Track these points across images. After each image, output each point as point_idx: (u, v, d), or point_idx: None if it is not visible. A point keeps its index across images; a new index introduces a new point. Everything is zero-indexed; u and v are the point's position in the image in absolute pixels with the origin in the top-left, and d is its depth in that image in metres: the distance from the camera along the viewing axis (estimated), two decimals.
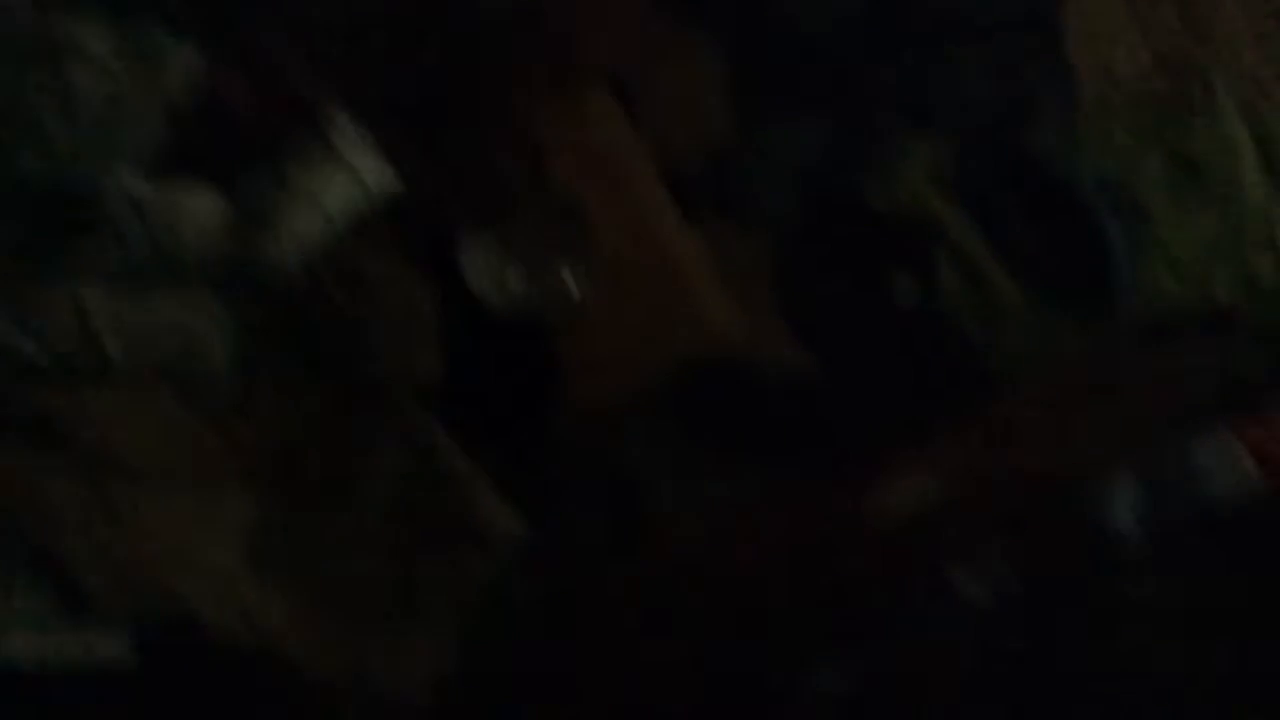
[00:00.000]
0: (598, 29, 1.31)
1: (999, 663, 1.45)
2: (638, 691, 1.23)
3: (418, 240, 1.23)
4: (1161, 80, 1.73)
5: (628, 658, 1.24)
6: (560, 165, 1.26)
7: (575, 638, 1.24)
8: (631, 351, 1.29)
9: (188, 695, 1.08)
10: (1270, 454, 1.50)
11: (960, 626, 1.46)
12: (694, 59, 1.58)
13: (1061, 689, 1.41)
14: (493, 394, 1.23)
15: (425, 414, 1.17)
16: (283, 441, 1.13)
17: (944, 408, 1.60)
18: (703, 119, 1.56)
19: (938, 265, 1.65)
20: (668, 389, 1.39)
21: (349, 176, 1.17)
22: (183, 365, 1.08)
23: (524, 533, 1.19)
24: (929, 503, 1.44)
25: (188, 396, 1.09)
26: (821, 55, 1.68)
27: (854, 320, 1.65)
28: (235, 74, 1.17)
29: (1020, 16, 1.68)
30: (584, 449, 1.31)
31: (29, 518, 1.06)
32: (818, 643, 1.33)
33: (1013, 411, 1.56)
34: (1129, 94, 1.72)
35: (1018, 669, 1.44)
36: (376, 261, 1.20)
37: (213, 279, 1.14)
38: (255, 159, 1.16)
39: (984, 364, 1.64)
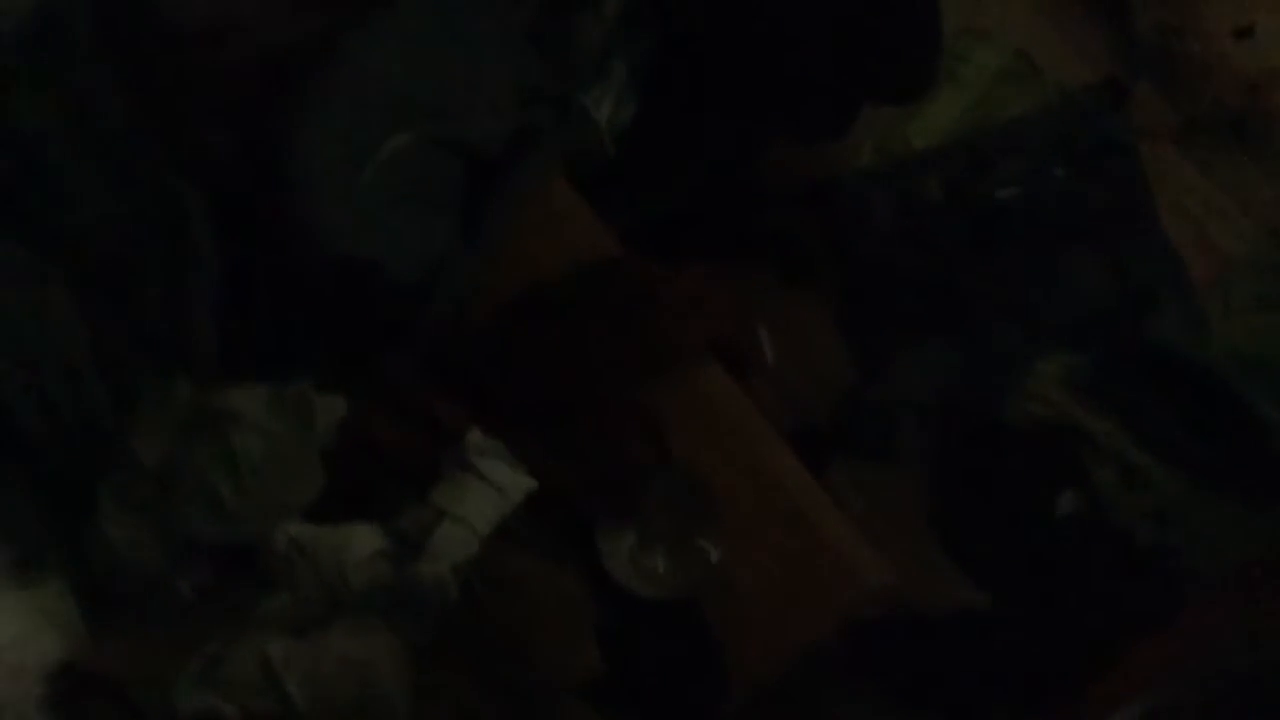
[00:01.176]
0: (702, 304, 1.39)
1: None
2: None
3: (560, 537, 1.30)
4: (1274, 246, 1.73)
5: None
6: (680, 442, 1.33)
7: None
8: (784, 613, 1.33)
9: None
10: None
11: None
12: (803, 311, 1.64)
13: None
14: (657, 680, 1.28)
15: (592, 710, 1.22)
16: None
17: (1134, 622, 1.59)
18: (823, 368, 1.62)
19: (1093, 473, 1.66)
20: (842, 649, 1.42)
21: (488, 488, 1.25)
22: (363, 700, 1.16)
23: None
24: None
25: None
26: (929, 284, 1.72)
27: (1024, 545, 1.65)
28: (378, 414, 1.28)
29: (1114, 209, 1.71)
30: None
31: None
32: None
33: (1205, 614, 1.53)
34: (1241, 266, 1.73)
35: None
36: (524, 563, 1.27)
37: (378, 608, 1.22)
38: (403, 488, 1.26)
39: (1164, 567, 1.63)
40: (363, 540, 1.22)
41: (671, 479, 1.32)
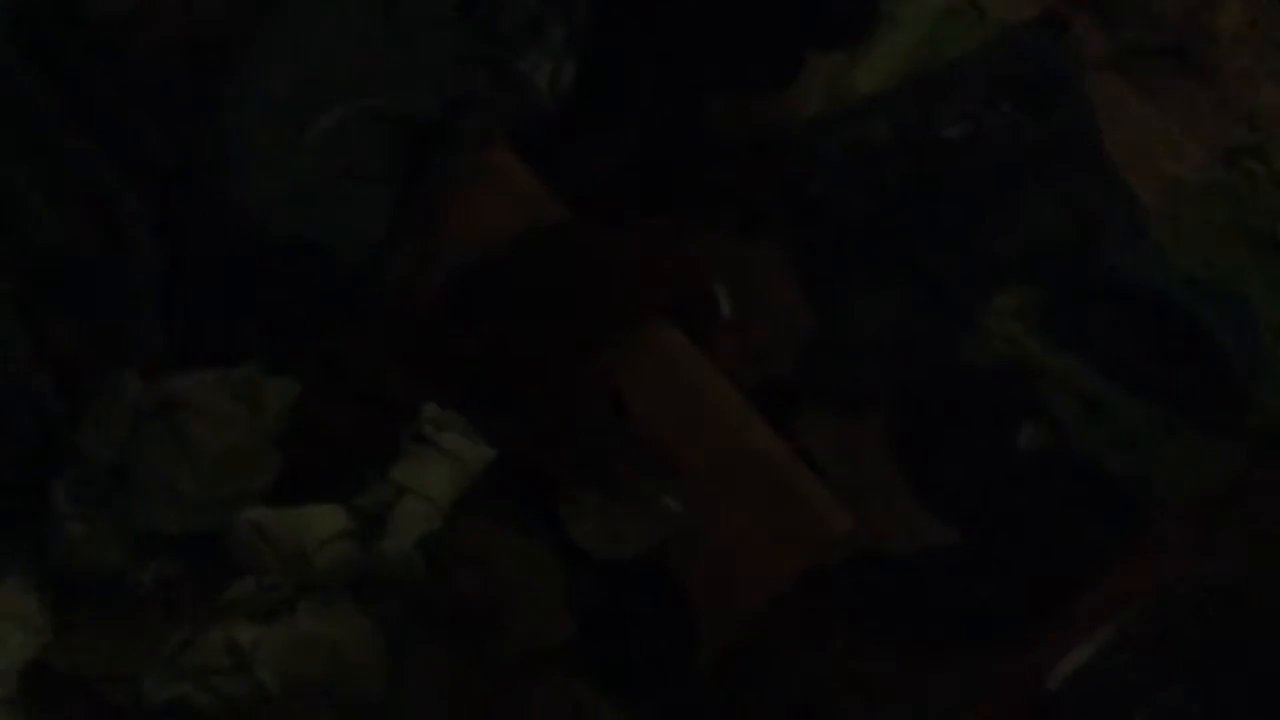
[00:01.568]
0: (653, 263, 1.39)
1: None
2: None
3: (524, 505, 1.30)
4: (1222, 169, 1.74)
5: None
6: (639, 402, 1.33)
7: None
8: (751, 564, 1.33)
9: None
10: None
11: None
12: (760, 263, 1.64)
13: None
14: (629, 638, 1.28)
15: (568, 674, 1.22)
16: None
17: (1102, 550, 1.60)
18: (782, 318, 1.62)
19: (1055, 406, 1.66)
20: (810, 594, 1.42)
21: (448, 462, 1.25)
22: (336, 679, 1.16)
23: None
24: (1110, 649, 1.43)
25: (346, 710, 1.16)
26: (882, 228, 1.72)
27: (989, 481, 1.66)
28: (331, 393, 1.27)
29: (1059, 146, 1.71)
30: (742, 672, 1.35)
31: None
32: None
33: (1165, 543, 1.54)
34: (1191, 191, 1.73)
35: None
36: (490, 534, 1.27)
37: (344, 586, 1.22)
38: (363, 467, 1.25)
39: (1130, 496, 1.64)
40: (325, 521, 1.22)
41: (631, 439, 1.32)
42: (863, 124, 1.74)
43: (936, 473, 1.71)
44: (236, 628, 1.17)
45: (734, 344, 1.58)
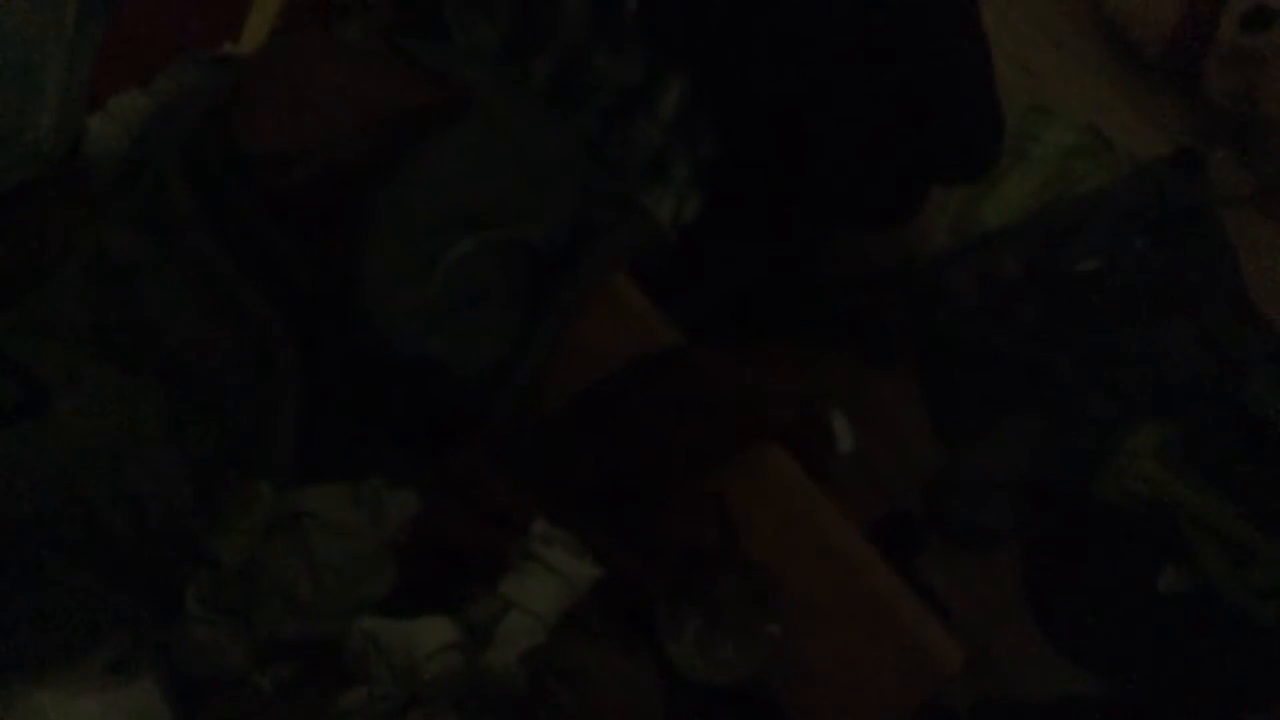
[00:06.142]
0: (765, 393, 1.41)
1: None
2: None
3: (628, 626, 1.31)
4: None
5: None
6: (746, 530, 1.34)
7: None
8: (859, 698, 1.32)
9: None
10: None
11: None
12: (886, 395, 1.65)
13: None
14: None
15: None
16: None
17: (1244, 702, 1.53)
18: (908, 450, 1.62)
19: (1196, 548, 1.61)
20: None
21: (555, 578, 1.28)
22: None
23: None
24: None
25: None
26: (1011, 361, 1.71)
27: (1126, 625, 1.61)
28: (447, 508, 1.32)
29: (1195, 281, 1.68)
30: None
31: None
32: None
33: None
34: None
35: None
36: (593, 653, 1.29)
37: (450, 699, 1.25)
38: (473, 580, 1.29)
39: (1276, 644, 1.57)
40: (433, 632, 1.26)
41: (737, 564, 1.33)
42: (992, 257, 1.75)
43: (1070, 616, 1.67)
44: None
45: (856, 474, 1.58)
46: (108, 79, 1.41)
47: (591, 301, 1.43)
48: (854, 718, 1.31)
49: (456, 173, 1.37)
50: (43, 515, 1.22)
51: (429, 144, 1.37)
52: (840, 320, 1.72)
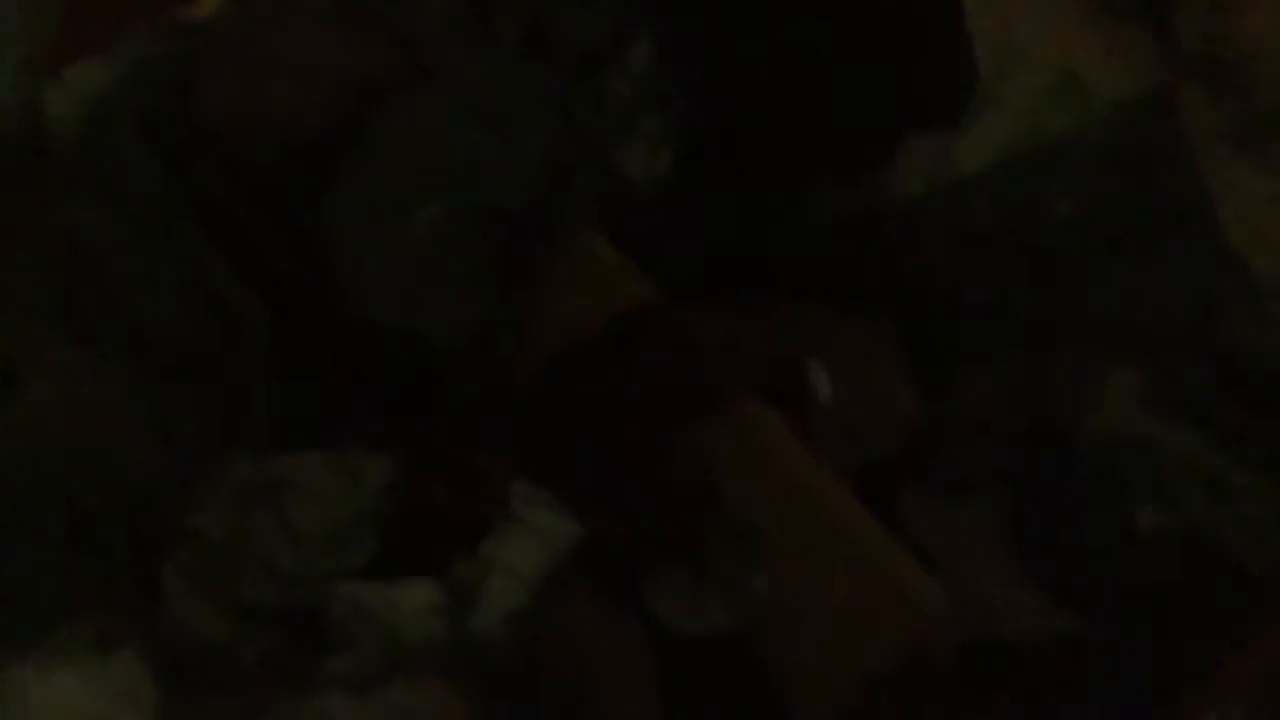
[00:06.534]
0: (739, 346, 1.40)
1: None
2: None
3: (613, 584, 1.31)
4: None
5: None
6: (729, 483, 1.34)
7: None
8: (842, 645, 1.32)
9: None
10: None
11: None
12: (863, 344, 1.64)
13: None
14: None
15: None
16: None
17: (1228, 632, 1.54)
18: (887, 399, 1.61)
19: (1176, 487, 1.62)
20: (931, 680, 1.40)
21: (537, 539, 1.28)
22: None
23: None
24: None
25: None
26: (988, 307, 1.71)
27: (1107, 566, 1.62)
28: (426, 472, 1.32)
29: (1171, 223, 1.68)
30: None
31: None
32: None
33: None
34: None
35: None
36: (579, 613, 1.29)
37: (434, 661, 1.25)
38: (454, 543, 1.29)
39: (1254, 577, 1.58)
40: (415, 596, 1.25)
41: (720, 519, 1.33)
42: (967, 203, 1.74)
43: (1054, 557, 1.67)
44: (332, 701, 1.21)
45: (833, 424, 1.58)
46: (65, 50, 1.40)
47: (564, 261, 1.42)
48: (837, 664, 1.32)
49: (422, 138, 1.36)
50: (15, 496, 1.21)
51: (394, 110, 1.36)
52: (813, 271, 1.71)
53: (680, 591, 1.30)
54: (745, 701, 1.31)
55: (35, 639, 1.22)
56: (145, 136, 1.33)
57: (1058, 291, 1.70)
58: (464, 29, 1.49)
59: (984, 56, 1.62)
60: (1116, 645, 1.59)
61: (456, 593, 1.26)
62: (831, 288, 1.72)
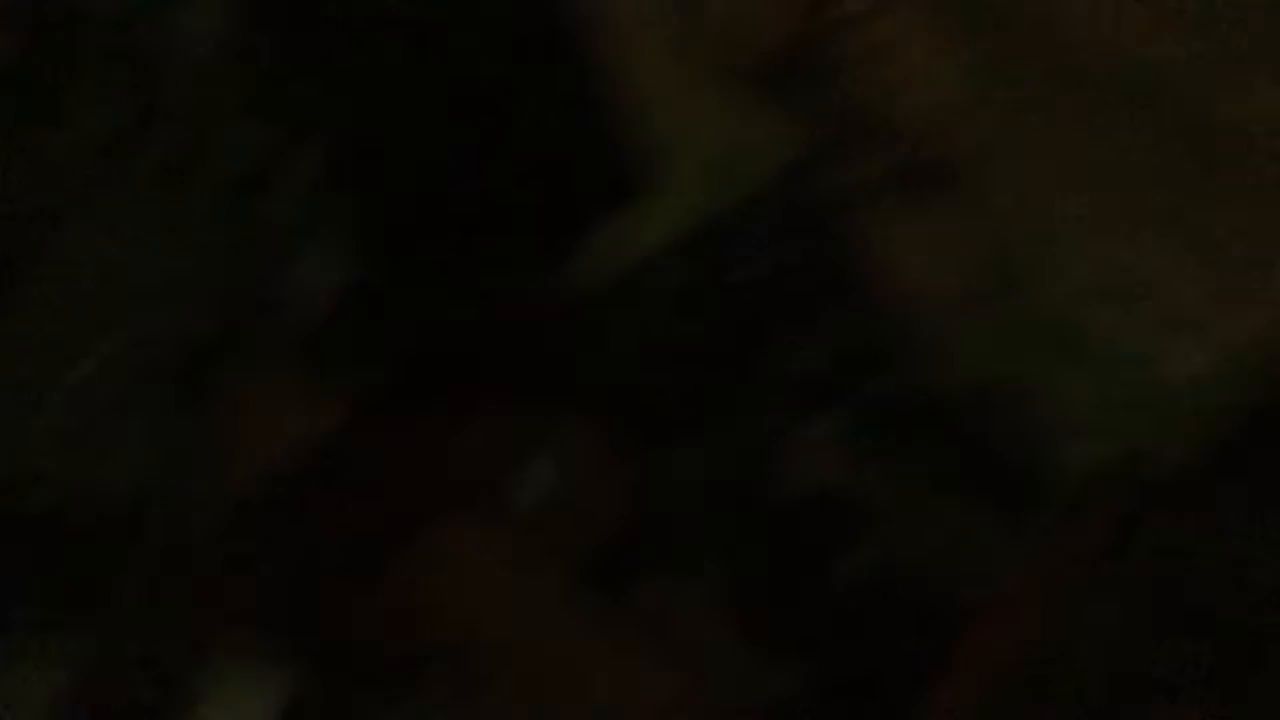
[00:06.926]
0: (439, 458, 1.37)
1: None
2: None
3: None
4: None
5: None
6: (440, 609, 1.30)
7: None
8: None
9: None
10: None
11: None
12: (566, 437, 1.64)
13: None
14: None
15: None
16: None
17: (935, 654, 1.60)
18: (606, 487, 1.61)
19: (873, 528, 1.67)
20: None
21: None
22: None
23: None
24: None
25: None
26: (684, 378, 1.73)
27: (818, 620, 1.65)
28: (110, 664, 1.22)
29: (836, 271, 1.75)
30: None
31: None
32: None
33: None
34: (970, 300, 1.77)
35: None
36: None
37: None
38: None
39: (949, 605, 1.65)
40: None
41: (438, 652, 1.29)
42: (652, 278, 1.76)
43: (777, 615, 1.70)
44: None
45: (551, 520, 1.57)
46: None
47: (251, 387, 1.35)
48: None
49: (67, 284, 1.26)
50: None
51: (36, 256, 1.26)
52: (505, 370, 1.70)
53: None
54: None
55: None
56: None
57: (745, 357, 1.74)
58: (108, 160, 1.40)
59: (649, 136, 1.65)
60: (837, 693, 1.64)
61: None
62: (542, 379, 1.71)
